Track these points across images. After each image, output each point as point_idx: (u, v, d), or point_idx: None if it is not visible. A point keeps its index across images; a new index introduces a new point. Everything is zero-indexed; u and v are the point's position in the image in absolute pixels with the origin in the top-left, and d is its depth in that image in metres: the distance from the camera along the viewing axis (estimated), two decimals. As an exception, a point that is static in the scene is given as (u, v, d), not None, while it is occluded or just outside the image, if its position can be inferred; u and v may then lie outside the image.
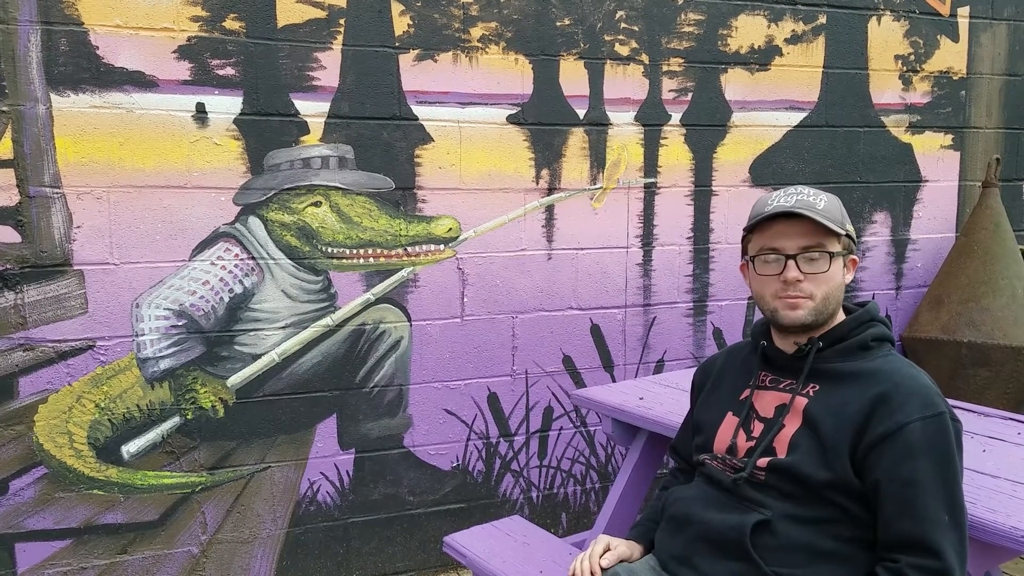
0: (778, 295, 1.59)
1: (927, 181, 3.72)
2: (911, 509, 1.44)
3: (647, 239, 3.26)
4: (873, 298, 3.63)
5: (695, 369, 1.94)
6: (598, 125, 3.13)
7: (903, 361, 1.60)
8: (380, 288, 2.91)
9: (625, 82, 3.15)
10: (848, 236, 1.61)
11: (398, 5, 2.82)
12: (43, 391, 2.55)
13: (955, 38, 3.67)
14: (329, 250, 2.82)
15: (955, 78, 3.70)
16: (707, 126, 3.30)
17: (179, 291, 2.66)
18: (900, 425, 1.46)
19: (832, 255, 1.58)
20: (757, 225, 1.63)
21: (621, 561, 1.72)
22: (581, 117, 3.10)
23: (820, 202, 1.59)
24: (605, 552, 1.73)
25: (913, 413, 1.47)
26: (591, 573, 1.69)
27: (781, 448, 1.57)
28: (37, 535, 2.59)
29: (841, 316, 1.65)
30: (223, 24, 2.62)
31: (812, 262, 1.58)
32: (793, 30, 3.38)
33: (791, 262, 1.57)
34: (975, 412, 2.32)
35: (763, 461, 1.58)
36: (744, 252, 1.70)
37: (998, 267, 3.46)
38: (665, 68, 3.20)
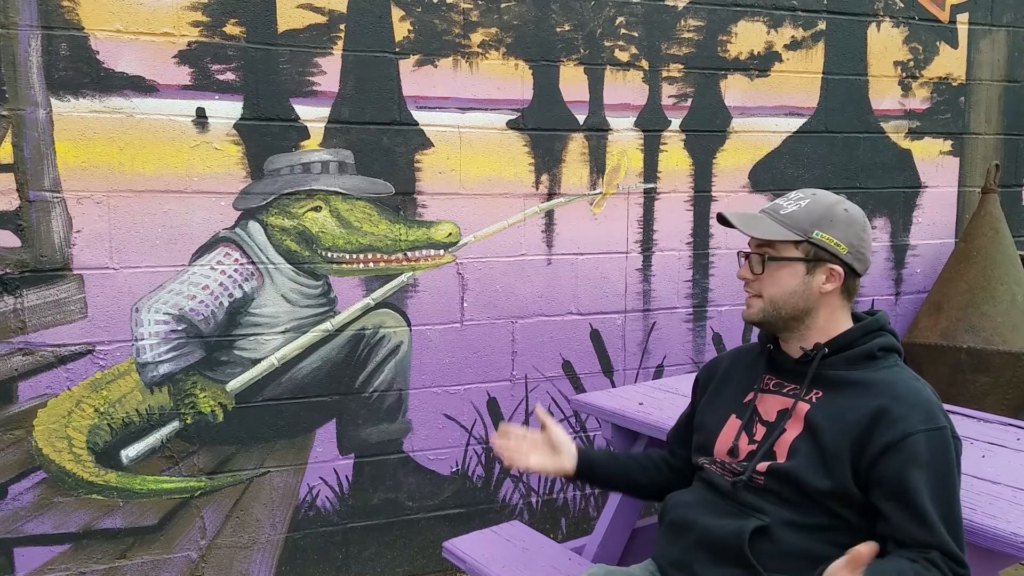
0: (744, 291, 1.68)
1: (926, 187, 3.73)
2: (919, 517, 1.42)
3: (647, 244, 3.26)
4: (872, 304, 3.63)
5: (699, 369, 1.95)
6: (598, 130, 3.14)
7: (909, 373, 1.59)
8: (380, 293, 2.91)
9: (625, 88, 3.15)
10: (815, 244, 1.58)
11: (398, 10, 2.82)
12: (42, 395, 2.55)
13: (954, 44, 3.68)
14: (329, 255, 2.82)
15: (954, 84, 3.71)
16: (707, 132, 3.30)
17: (179, 296, 2.66)
18: (904, 435, 1.46)
19: (783, 259, 1.60)
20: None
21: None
22: (581, 122, 3.11)
23: (792, 206, 1.62)
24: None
25: (916, 424, 1.46)
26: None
27: (781, 452, 1.57)
28: (36, 539, 2.58)
29: (848, 323, 1.65)
30: (223, 29, 2.62)
31: (761, 263, 1.63)
32: (793, 36, 3.39)
33: (745, 260, 1.67)
34: (975, 418, 2.32)
35: (763, 465, 1.58)
36: None
37: (997, 273, 3.46)
38: (665, 74, 3.21)
